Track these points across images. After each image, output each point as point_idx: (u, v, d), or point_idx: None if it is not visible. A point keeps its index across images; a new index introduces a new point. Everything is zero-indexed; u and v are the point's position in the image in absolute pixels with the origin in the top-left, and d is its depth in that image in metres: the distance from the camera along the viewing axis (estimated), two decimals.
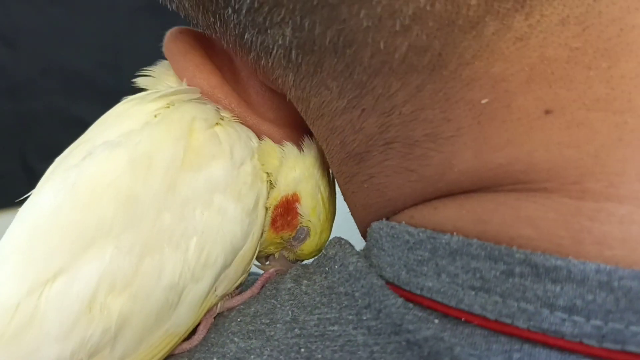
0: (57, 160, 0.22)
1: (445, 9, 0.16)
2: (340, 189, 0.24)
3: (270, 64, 0.20)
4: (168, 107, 0.23)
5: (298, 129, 0.25)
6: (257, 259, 0.25)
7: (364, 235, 0.24)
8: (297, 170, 0.25)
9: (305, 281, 0.21)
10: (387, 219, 0.21)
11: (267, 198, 0.24)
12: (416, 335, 0.17)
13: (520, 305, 0.16)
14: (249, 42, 0.19)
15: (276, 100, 0.24)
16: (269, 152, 0.24)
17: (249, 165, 0.23)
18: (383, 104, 0.18)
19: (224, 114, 0.24)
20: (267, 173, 0.24)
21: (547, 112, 0.16)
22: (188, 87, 0.23)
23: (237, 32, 0.19)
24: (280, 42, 0.18)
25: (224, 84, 0.23)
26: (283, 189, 0.25)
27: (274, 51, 0.19)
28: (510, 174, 0.16)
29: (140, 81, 0.24)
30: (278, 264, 0.26)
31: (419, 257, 0.18)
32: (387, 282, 0.19)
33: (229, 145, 0.22)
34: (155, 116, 0.22)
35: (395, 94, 0.18)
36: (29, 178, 0.83)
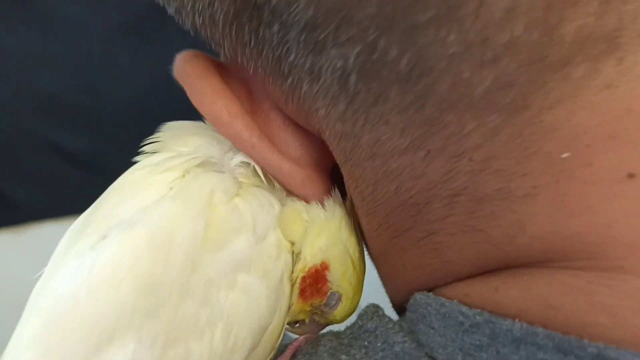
0: (69, 237, 0.21)
1: (539, 41, 0.14)
2: (377, 244, 0.22)
3: (314, 91, 0.17)
4: (183, 176, 0.21)
5: (322, 170, 0.23)
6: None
7: (398, 304, 0.22)
8: (323, 238, 0.23)
9: (343, 356, 0.20)
10: (432, 290, 0.20)
11: (293, 269, 0.23)
12: None
13: None
14: (292, 65, 0.17)
15: (300, 136, 0.22)
16: (293, 219, 0.23)
17: (272, 236, 0.22)
18: (453, 146, 0.16)
19: (241, 178, 0.22)
20: (291, 242, 0.23)
21: (630, 175, 0.14)
22: (203, 150, 0.22)
23: (277, 53, 0.17)
24: (339, 65, 0.16)
25: (244, 113, 0.21)
26: (310, 260, 0.23)
27: (326, 76, 0.17)
28: (585, 245, 0.15)
29: (148, 148, 0.23)
30: (308, 329, 0.25)
31: (477, 342, 0.17)
32: None
33: (252, 217, 0.21)
34: (171, 188, 0.21)
35: (468, 135, 0.16)
36: (2, 203, 0.80)
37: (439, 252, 0.18)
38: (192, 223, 0.20)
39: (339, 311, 0.24)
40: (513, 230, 0.16)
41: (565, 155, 0.15)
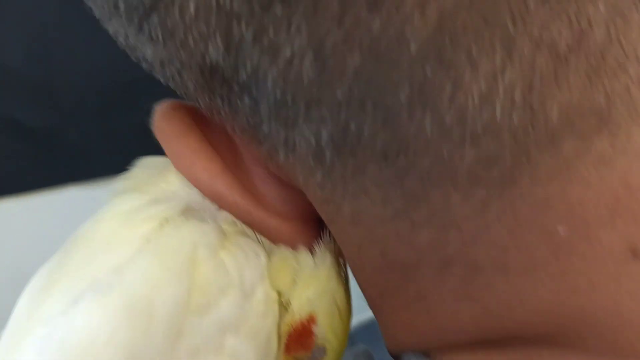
0: (31, 295, 0.19)
1: (521, 122, 0.14)
2: (366, 296, 0.21)
3: (290, 160, 0.17)
4: (162, 226, 0.20)
5: (310, 220, 0.22)
6: None
7: (391, 349, 0.22)
8: (312, 288, 0.22)
9: None
10: (428, 354, 0.19)
11: (280, 322, 0.22)
12: None
13: None
14: (266, 135, 0.17)
15: (285, 191, 0.21)
16: (281, 269, 0.22)
17: (260, 291, 0.21)
18: (439, 218, 0.15)
19: (225, 226, 0.21)
20: (278, 292, 0.22)
21: (634, 253, 0.14)
22: (183, 194, 0.21)
23: (250, 121, 0.17)
24: (312, 141, 0.16)
25: (225, 172, 0.20)
26: (297, 312, 0.22)
27: (301, 149, 0.16)
28: (593, 324, 0.14)
29: (122, 187, 0.21)
30: None
31: None
32: None
33: (238, 272, 0.20)
34: (148, 240, 0.19)
35: (455, 209, 0.15)
36: None
37: (430, 316, 0.17)
38: (174, 286, 0.18)
39: None
40: (511, 303, 0.15)
41: (561, 230, 0.14)
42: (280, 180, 0.20)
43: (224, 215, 0.21)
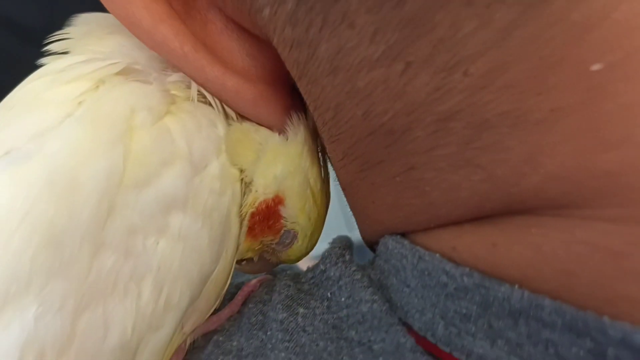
0: None
1: None
2: (343, 175, 0.18)
3: None
4: (97, 87, 0.16)
5: (278, 84, 0.18)
6: None
7: (369, 241, 0.19)
8: (279, 166, 0.19)
9: (301, 310, 0.17)
10: (408, 235, 0.16)
11: (242, 203, 0.19)
12: None
13: None
14: None
15: (248, 43, 0.17)
16: (242, 141, 0.18)
17: (215, 165, 0.17)
18: (443, 55, 0.12)
19: (175, 91, 0.17)
20: (240, 169, 0.19)
21: None
22: (125, 53, 0.17)
23: None
24: None
25: (172, 16, 0.16)
26: (262, 192, 0.19)
27: None
28: (620, 188, 0.11)
29: (55, 47, 0.17)
30: (257, 267, 0.21)
31: (463, 310, 0.14)
32: (417, 334, 0.14)
33: (186, 141, 0.16)
34: (80, 103, 0.16)
35: (465, 40, 0.12)
36: None
37: (420, 191, 0.15)
38: (105, 155, 0.15)
39: (293, 250, 0.21)
40: (523, 166, 0.12)
41: (596, 67, 0.11)
42: (241, 28, 0.17)
43: (174, 79, 0.18)
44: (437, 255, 0.15)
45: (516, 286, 0.13)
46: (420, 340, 0.15)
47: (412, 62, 0.13)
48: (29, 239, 0.14)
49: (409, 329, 0.15)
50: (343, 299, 0.16)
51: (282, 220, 0.20)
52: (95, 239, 0.15)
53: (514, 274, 0.13)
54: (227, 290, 0.20)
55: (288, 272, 0.22)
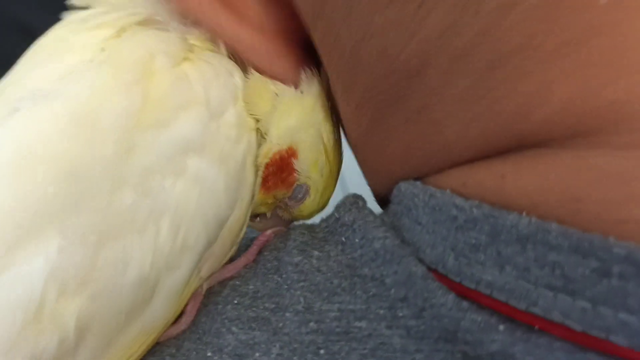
0: None
1: None
2: (355, 126, 0.18)
3: None
4: (119, 35, 0.17)
5: (292, 40, 0.19)
6: None
7: (380, 191, 0.19)
8: (292, 118, 0.19)
9: (316, 252, 0.17)
10: (420, 179, 0.16)
11: (257, 153, 0.19)
12: (477, 349, 0.13)
13: (619, 316, 0.12)
14: None
15: None
16: (258, 92, 0.19)
17: (231, 113, 0.18)
18: None
19: (193, 41, 0.18)
20: (256, 119, 0.19)
21: None
22: (146, 5, 0.17)
23: None
24: None
25: None
26: (276, 142, 0.19)
27: None
28: (624, 116, 0.12)
29: (77, 1, 0.18)
30: (270, 224, 0.22)
31: (473, 240, 0.14)
32: (428, 268, 0.15)
33: (204, 87, 0.17)
34: (102, 49, 0.16)
35: None
36: None
37: (433, 131, 0.15)
38: (124, 96, 0.16)
39: (306, 206, 0.21)
40: (532, 99, 0.13)
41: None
42: None
43: (193, 32, 0.18)
44: (447, 191, 0.15)
45: (524, 213, 0.13)
46: (431, 271, 0.15)
47: (425, 0, 0.13)
48: (52, 174, 0.14)
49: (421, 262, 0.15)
50: (357, 240, 0.16)
51: (295, 174, 0.20)
52: (115, 176, 0.15)
53: (522, 203, 0.13)
54: (242, 242, 0.20)
55: (303, 224, 0.22)
